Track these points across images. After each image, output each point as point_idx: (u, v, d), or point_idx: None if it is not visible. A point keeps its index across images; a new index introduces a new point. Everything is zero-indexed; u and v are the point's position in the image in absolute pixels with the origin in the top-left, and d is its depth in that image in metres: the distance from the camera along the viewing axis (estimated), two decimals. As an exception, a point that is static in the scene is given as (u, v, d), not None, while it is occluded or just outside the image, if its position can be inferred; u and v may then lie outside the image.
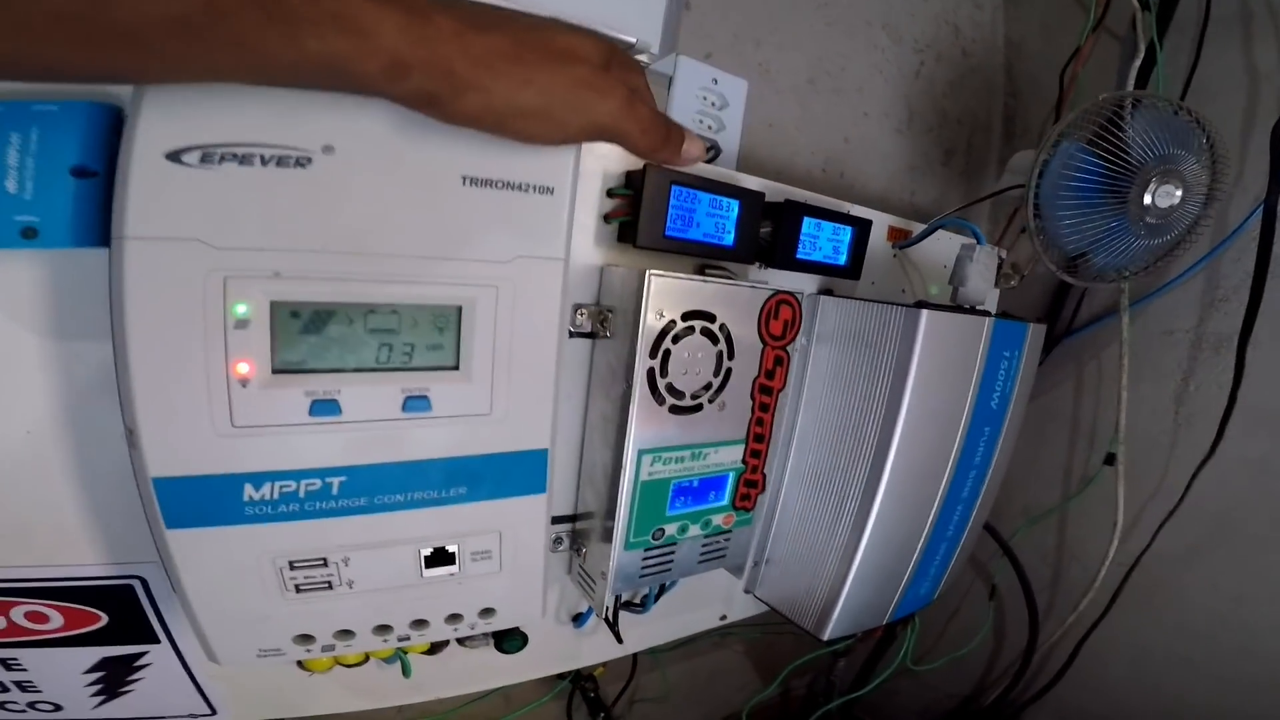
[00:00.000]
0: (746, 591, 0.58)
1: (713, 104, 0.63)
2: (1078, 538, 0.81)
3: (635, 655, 0.74)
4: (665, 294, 0.41)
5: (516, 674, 0.56)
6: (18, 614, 0.40)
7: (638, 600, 0.55)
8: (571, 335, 0.44)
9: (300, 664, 0.45)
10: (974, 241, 0.54)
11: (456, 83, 0.27)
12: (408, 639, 0.40)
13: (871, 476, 0.49)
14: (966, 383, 0.51)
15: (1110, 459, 0.73)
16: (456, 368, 0.34)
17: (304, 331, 0.31)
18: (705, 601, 0.61)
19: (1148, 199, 0.59)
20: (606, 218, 0.45)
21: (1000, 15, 0.93)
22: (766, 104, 0.68)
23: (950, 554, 0.59)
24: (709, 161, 0.61)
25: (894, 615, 0.58)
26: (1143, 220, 0.60)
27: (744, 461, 0.48)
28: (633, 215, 0.44)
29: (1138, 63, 0.77)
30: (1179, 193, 0.59)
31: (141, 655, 0.44)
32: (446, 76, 0.27)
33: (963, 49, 0.86)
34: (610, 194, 0.45)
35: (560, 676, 0.72)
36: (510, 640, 0.50)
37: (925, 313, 0.46)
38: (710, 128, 0.63)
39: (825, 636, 0.54)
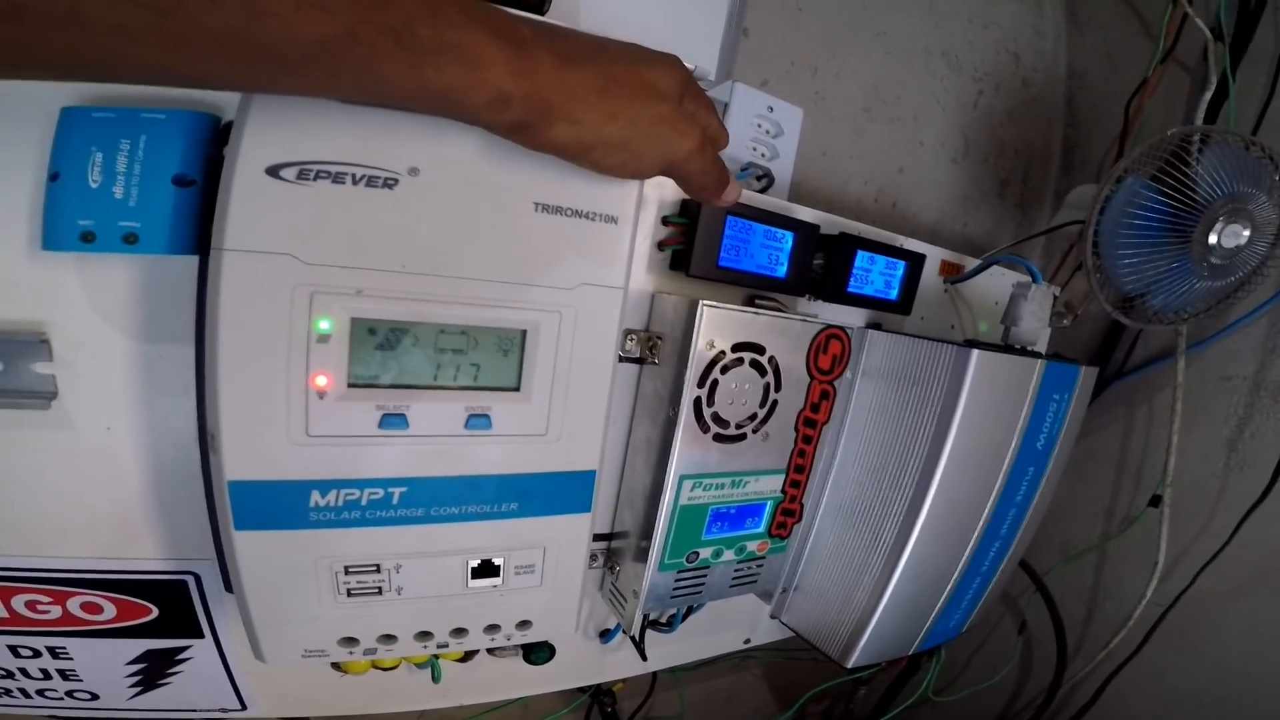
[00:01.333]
0: (773, 617, 0.59)
1: (767, 131, 0.65)
2: (1115, 577, 0.81)
3: (655, 673, 0.75)
4: (717, 325, 0.42)
5: (540, 685, 0.57)
6: (74, 604, 0.43)
7: (664, 620, 0.56)
8: (620, 360, 0.46)
9: (335, 665, 0.47)
10: (1029, 280, 0.54)
11: (550, 114, 0.29)
12: (446, 646, 0.41)
13: (910, 512, 0.49)
14: (1013, 424, 0.51)
15: (1156, 501, 0.72)
16: (518, 389, 0.36)
17: (379, 348, 0.33)
18: (730, 624, 0.62)
19: (1213, 239, 0.58)
20: (660, 245, 0.46)
21: (1063, 44, 0.92)
22: (821, 132, 0.70)
23: (983, 589, 0.59)
24: (762, 191, 0.62)
25: (920, 647, 0.59)
26: (1206, 261, 0.60)
27: (783, 491, 0.49)
28: (686, 244, 0.46)
29: (1208, 95, 0.75)
30: (1246, 232, 0.58)
31: (184, 649, 0.46)
32: (542, 109, 0.29)
33: (1023, 78, 0.87)
34: (666, 221, 0.46)
35: (580, 690, 0.73)
36: (538, 652, 0.52)
37: (976, 353, 0.47)
38: (764, 155, 0.64)
39: (850, 664, 0.55)
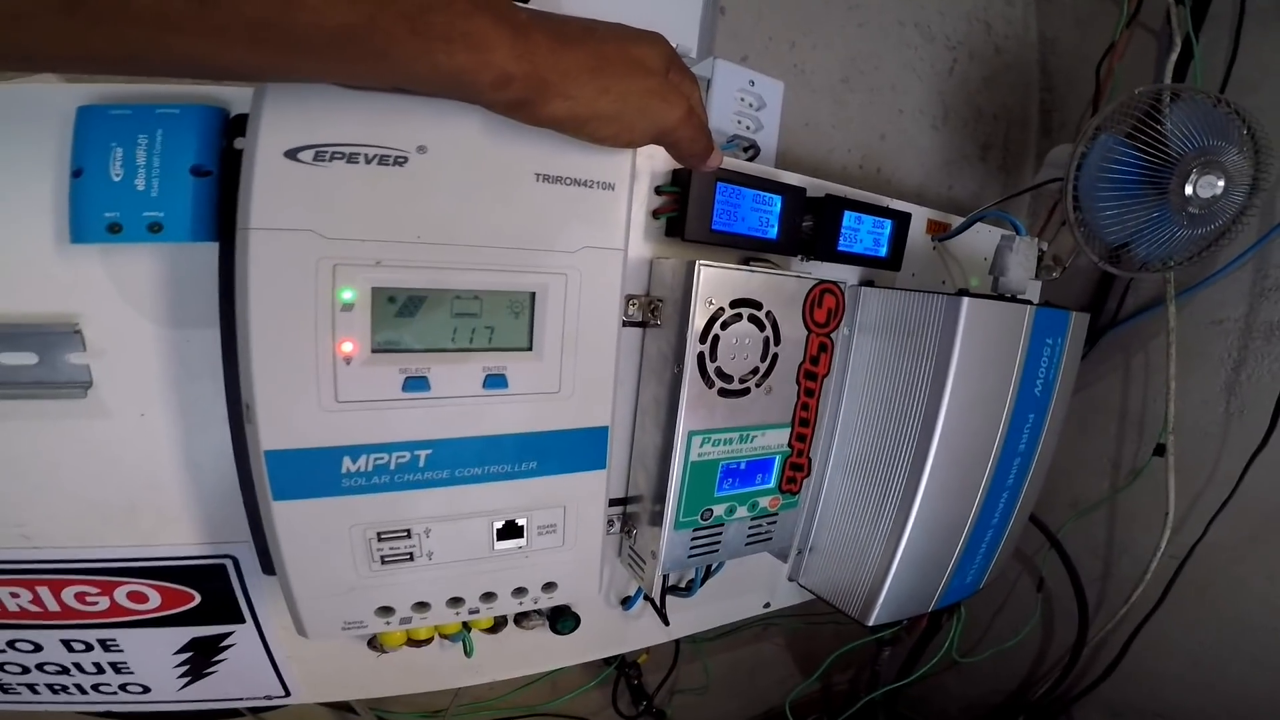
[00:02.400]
0: (791, 579, 0.61)
1: (750, 105, 0.67)
2: (1128, 530, 0.83)
3: (677, 644, 0.77)
4: (714, 283, 0.44)
5: (568, 656, 0.59)
6: (120, 594, 0.45)
7: (683, 584, 0.58)
8: (624, 325, 0.48)
9: (371, 643, 0.49)
10: (1014, 232, 0.56)
11: (547, 91, 0.32)
12: (477, 612, 0.43)
13: (915, 463, 0.51)
14: (1009, 370, 0.53)
15: (1160, 450, 0.74)
16: (530, 348, 0.38)
17: (399, 315, 0.35)
18: (749, 588, 0.64)
19: (1189, 190, 0.61)
20: (655, 213, 0.49)
21: (1032, 12, 0.95)
22: (802, 104, 0.72)
23: (996, 542, 0.61)
24: (749, 160, 0.65)
25: (939, 603, 0.61)
26: (1185, 210, 0.62)
27: (790, 445, 0.51)
28: (679, 211, 0.48)
29: (1174, 56, 0.79)
30: (1221, 183, 0.61)
31: (227, 635, 0.48)
32: (540, 86, 0.31)
33: (995, 46, 0.89)
34: (659, 191, 0.49)
35: (606, 663, 0.75)
36: (564, 621, 0.54)
37: (966, 300, 0.49)
38: (748, 128, 0.67)
39: (870, 622, 0.57)
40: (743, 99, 0.67)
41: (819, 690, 0.90)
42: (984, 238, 0.67)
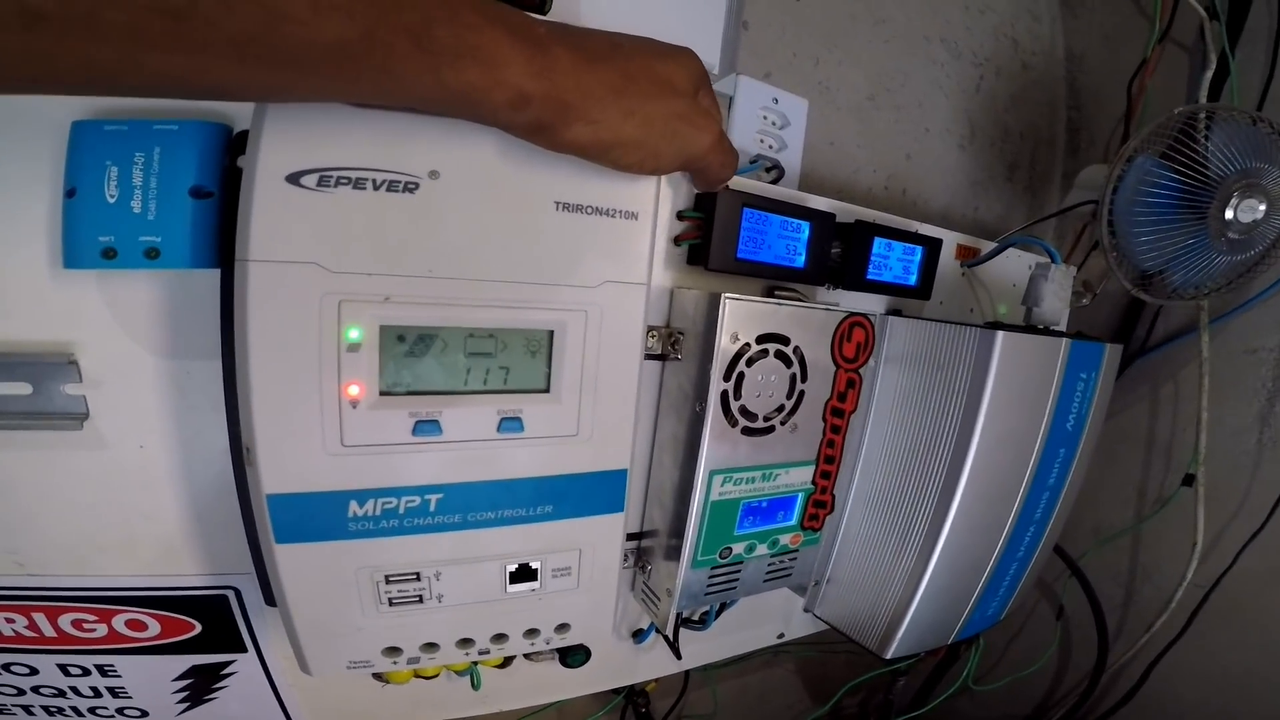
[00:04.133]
0: (806, 610, 0.58)
1: (773, 123, 0.64)
2: (1152, 559, 0.79)
3: (688, 672, 0.74)
4: (740, 317, 0.41)
5: (576, 688, 0.56)
6: (119, 622, 0.42)
7: (696, 618, 0.55)
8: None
9: (377, 676, 0.47)
10: (1048, 260, 0.53)
11: (569, 114, 0.29)
12: (487, 653, 0.40)
13: (942, 499, 0.48)
14: (1042, 405, 0.50)
15: (1189, 480, 0.70)
16: (547, 390, 0.35)
17: (408, 355, 0.32)
18: (763, 619, 0.61)
19: (1229, 214, 0.58)
20: (676, 240, 0.45)
21: (1059, 28, 0.91)
22: (827, 122, 0.69)
23: (1020, 574, 0.58)
24: (773, 183, 0.62)
25: (959, 635, 0.58)
26: (1224, 236, 0.59)
27: (814, 482, 0.48)
28: (703, 238, 0.45)
29: (1209, 74, 0.75)
30: (1263, 207, 0.58)
31: (228, 664, 0.46)
32: (561, 109, 0.28)
33: (1023, 62, 0.85)
34: (680, 216, 0.45)
35: (615, 692, 0.72)
36: (575, 655, 0.51)
37: (1000, 334, 0.46)
38: (771, 147, 0.64)
39: (888, 655, 0.54)
40: (766, 117, 0.63)
41: (828, 716, 0.87)
42: (1013, 263, 0.64)
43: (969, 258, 0.60)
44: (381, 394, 0.31)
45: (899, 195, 0.76)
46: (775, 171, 0.61)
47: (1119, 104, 0.82)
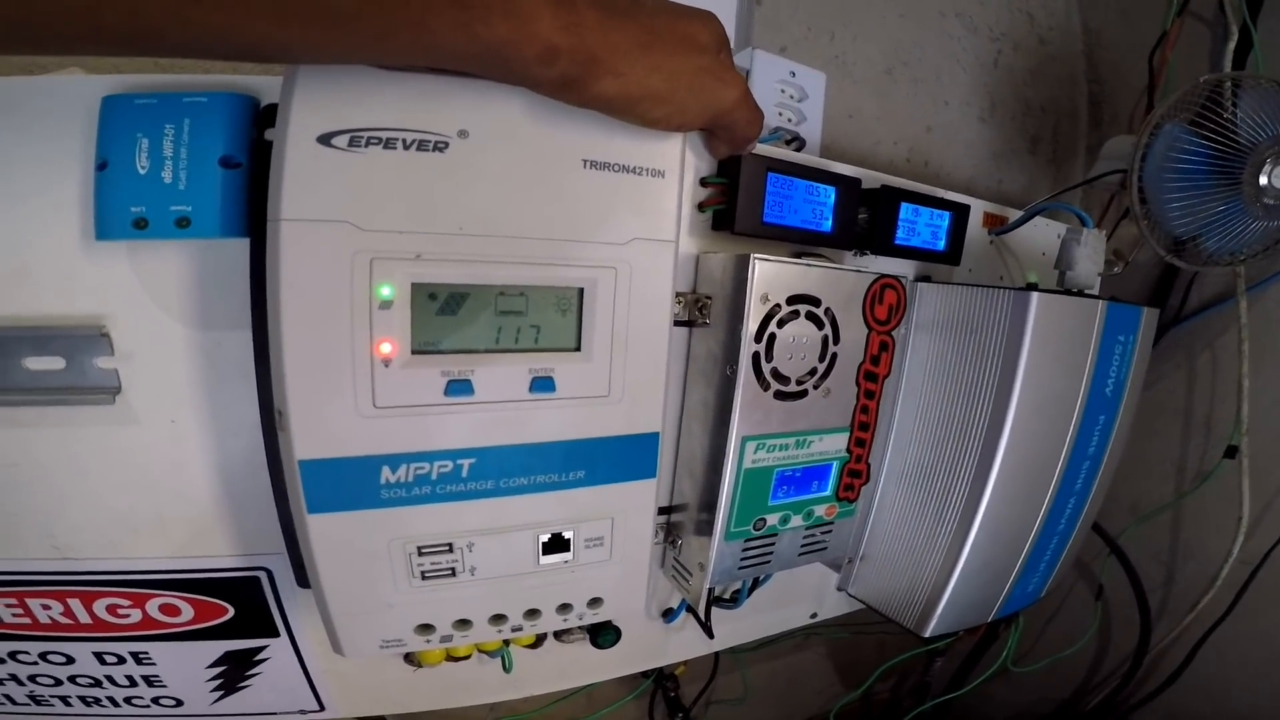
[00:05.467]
0: (840, 589, 0.57)
1: (791, 96, 0.63)
2: (1194, 535, 0.77)
3: (717, 655, 0.73)
4: (770, 278, 0.40)
5: (606, 670, 0.55)
6: (152, 607, 0.42)
7: (728, 595, 0.54)
8: (670, 323, 0.44)
9: (408, 658, 0.46)
10: (1080, 225, 0.52)
11: (596, 68, 0.28)
12: (520, 630, 0.40)
13: (980, 469, 0.47)
14: (1080, 370, 0.48)
15: (1231, 452, 0.68)
16: (578, 349, 0.35)
17: (440, 313, 0.31)
18: (796, 598, 0.60)
19: (1264, 179, 0.57)
20: (700, 206, 0.45)
21: (1074, 4, 0.90)
22: (845, 95, 0.68)
23: (1061, 548, 0.56)
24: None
25: (1000, 613, 0.56)
26: (1260, 202, 0.57)
27: (848, 450, 0.47)
28: (727, 203, 0.44)
29: (1232, 44, 0.74)
30: (1298, 173, 0.56)
31: (261, 649, 0.45)
32: (588, 62, 0.28)
33: (1039, 37, 0.84)
34: (704, 182, 0.45)
35: (644, 675, 0.71)
36: (605, 635, 0.50)
37: (1035, 295, 0.44)
38: (790, 120, 0.63)
39: (927, 634, 0.52)
40: (783, 90, 0.63)
41: (859, 700, 0.85)
42: (1040, 232, 0.62)
43: (996, 226, 0.59)
44: (414, 353, 0.31)
45: (921, 167, 0.75)
46: (796, 143, 0.60)
47: (1140, 77, 0.81)
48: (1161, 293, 0.76)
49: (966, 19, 0.78)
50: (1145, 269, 0.77)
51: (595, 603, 0.41)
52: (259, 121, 0.35)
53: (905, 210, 0.50)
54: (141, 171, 0.32)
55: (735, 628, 0.57)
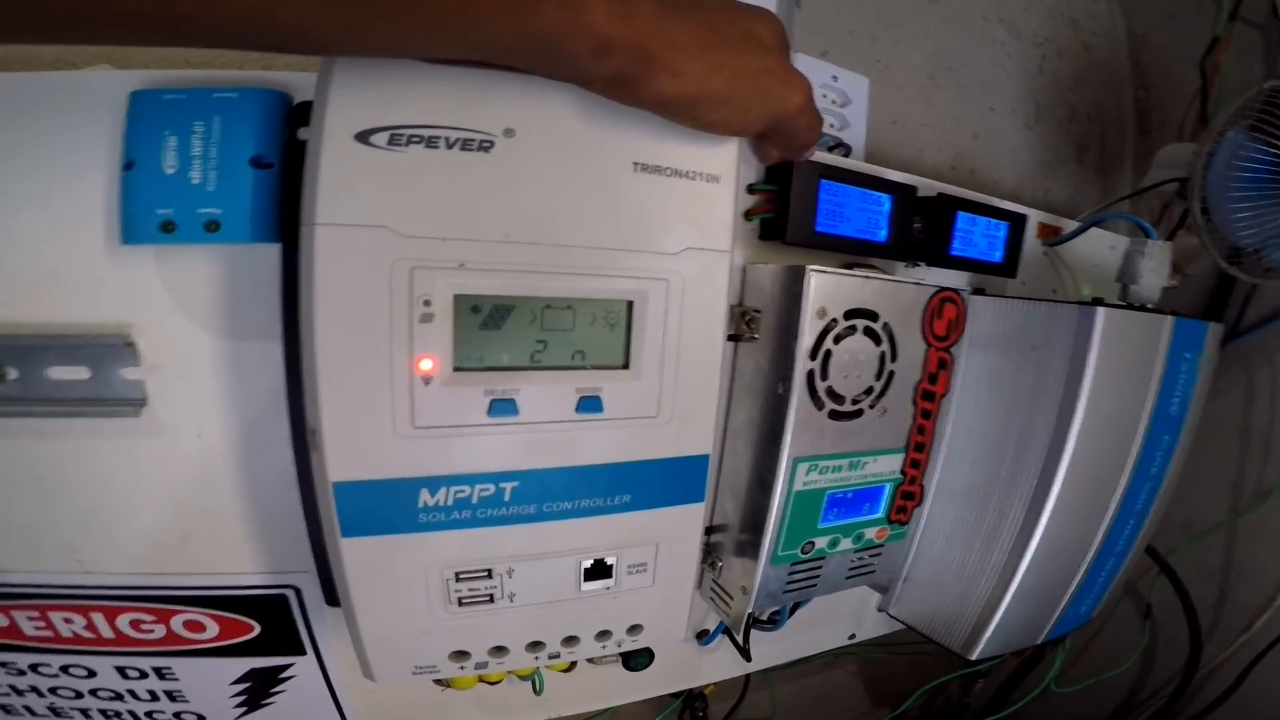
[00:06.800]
0: (880, 610, 0.53)
1: (834, 101, 0.60)
2: (1249, 555, 0.72)
3: (748, 674, 0.69)
4: (826, 291, 0.37)
5: (638, 692, 0.52)
6: (177, 623, 0.40)
7: (766, 618, 0.51)
8: (720, 338, 0.41)
9: (438, 680, 0.43)
10: (1143, 236, 0.48)
11: (653, 66, 0.26)
12: (557, 656, 0.37)
13: (1040, 489, 0.43)
14: (1145, 387, 0.45)
15: (1293, 470, 0.64)
16: (627, 366, 0.32)
17: (484, 327, 0.29)
18: (835, 619, 0.56)
19: None
20: (748, 214, 0.42)
21: (1117, 7, 0.86)
22: (889, 101, 0.64)
23: (1115, 570, 0.52)
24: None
25: (1050, 635, 0.52)
26: (1328, 213, 0.53)
27: (902, 472, 0.43)
28: (777, 211, 0.41)
29: None
30: (1368, 181, 0.52)
31: (287, 668, 0.43)
32: (644, 59, 0.26)
33: (1084, 43, 0.80)
34: (751, 190, 0.42)
35: (673, 696, 0.68)
36: (639, 657, 0.47)
37: (1101, 311, 0.41)
38: (834, 126, 0.60)
39: (974, 656, 0.49)
40: (826, 95, 0.59)
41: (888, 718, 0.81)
42: (1094, 243, 0.58)
43: (1051, 236, 0.55)
44: (456, 369, 0.28)
45: (968, 175, 0.71)
46: (841, 149, 0.57)
47: (1189, 83, 0.77)
48: (1216, 307, 0.72)
49: (1010, 24, 0.75)
50: (1198, 281, 0.72)
51: (635, 629, 0.38)
52: (292, 120, 0.32)
53: (962, 220, 0.46)
54: (169, 172, 0.30)
55: (772, 649, 0.54)
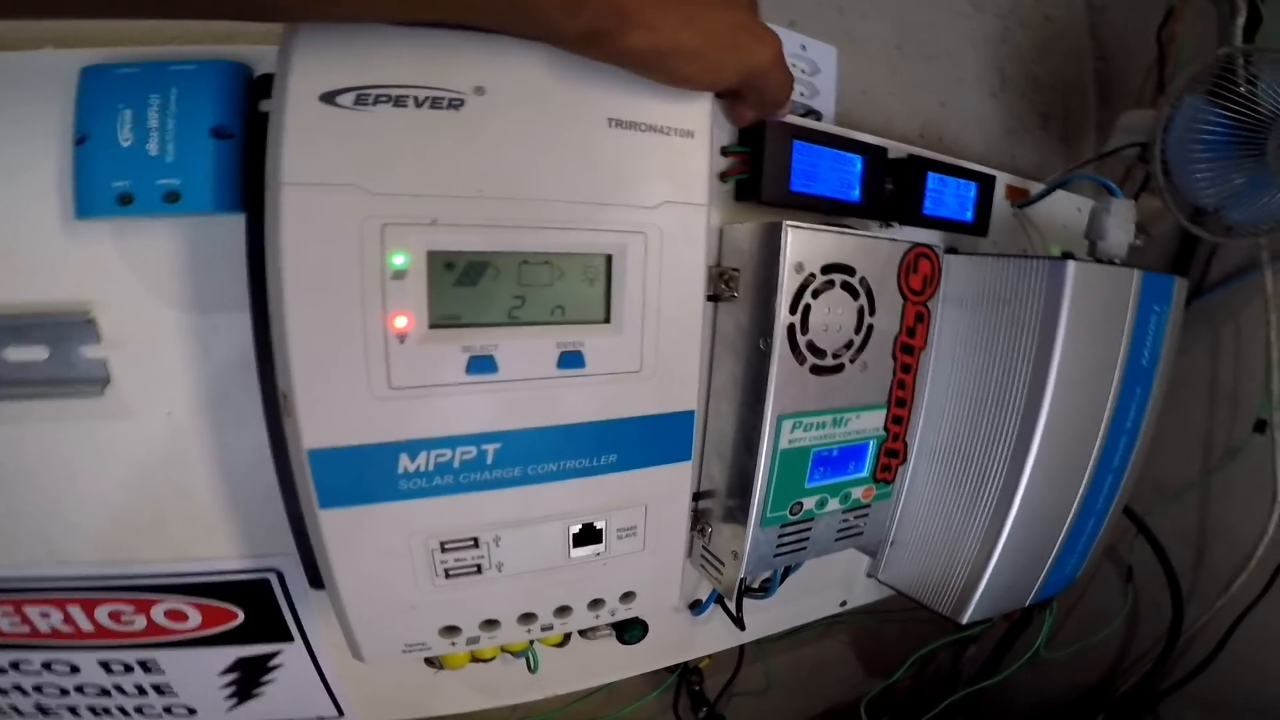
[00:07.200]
0: (869, 575, 0.53)
1: (803, 70, 0.60)
2: (1223, 514, 0.73)
3: (742, 646, 0.69)
4: (804, 246, 0.37)
5: (633, 666, 0.52)
6: (158, 613, 0.39)
7: (758, 585, 0.51)
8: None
9: (429, 661, 0.43)
10: (1108, 194, 0.49)
11: (625, 20, 0.25)
12: (550, 628, 0.36)
13: (1019, 445, 0.44)
14: (1117, 340, 0.45)
15: (1260, 426, 0.65)
16: (608, 320, 0.31)
17: (458, 283, 0.28)
18: (826, 585, 0.56)
19: None
20: (723, 176, 0.41)
21: (1076, -21, 0.87)
22: (857, 70, 0.65)
23: (1098, 528, 0.53)
24: (813, 125, 0.57)
25: (1036, 597, 0.53)
26: (1283, 172, 0.55)
27: (885, 429, 0.43)
28: (751, 172, 0.41)
29: (1241, 20, 0.72)
30: (1322, 144, 0.53)
31: (275, 655, 0.42)
32: (616, 13, 0.25)
33: (1044, 14, 0.81)
34: (725, 151, 0.41)
35: (669, 670, 0.68)
36: (632, 630, 0.47)
37: (1071, 264, 0.41)
38: (803, 94, 0.60)
39: (964, 620, 0.49)
40: (795, 64, 0.59)
41: (881, 688, 0.82)
42: (1061, 205, 0.60)
43: (1020, 198, 0.56)
44: (431, 326, 0.27)
45: (936, 142, 0.72)
46: (812, 116, 0.57)
47: (1146, 54, 0.78)
48: (1180, 267, 0.73)
49: (973, -4, 0.75)
50: (1162, 243, 0.74)
51: (628, 597, 0.38)
52: (253, 92, 0.31)
53: (932, 180, 0.47)
54: (125, 144, 0.29)
55: (765, 618, 0.54)
